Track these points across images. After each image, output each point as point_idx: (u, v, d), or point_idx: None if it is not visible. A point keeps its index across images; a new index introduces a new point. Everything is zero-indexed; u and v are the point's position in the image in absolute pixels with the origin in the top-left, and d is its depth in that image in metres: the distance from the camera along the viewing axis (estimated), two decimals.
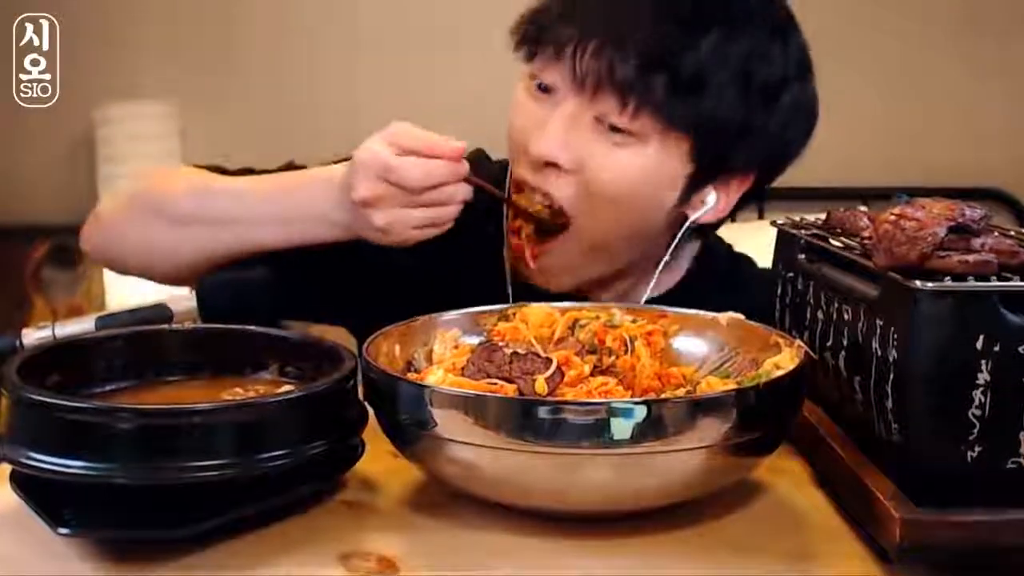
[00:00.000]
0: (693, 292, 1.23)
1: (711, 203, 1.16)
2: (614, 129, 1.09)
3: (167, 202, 1.20)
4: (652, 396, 0.85)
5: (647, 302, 1.20)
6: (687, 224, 1.17)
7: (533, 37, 1.13)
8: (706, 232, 1.24)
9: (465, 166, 1.07)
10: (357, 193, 1.05)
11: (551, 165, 1.11)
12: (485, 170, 1.19)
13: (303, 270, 1.17)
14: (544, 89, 1.13)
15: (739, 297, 1.14)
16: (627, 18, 1.09)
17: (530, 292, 1.17)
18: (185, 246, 1.17)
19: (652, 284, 1.22)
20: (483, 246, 1.22)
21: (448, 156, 1.05)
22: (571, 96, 1.10)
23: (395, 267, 1.19)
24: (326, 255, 1.17)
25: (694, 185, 1.14)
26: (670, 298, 1.22)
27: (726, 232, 1.37)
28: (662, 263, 1.21)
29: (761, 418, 0.78)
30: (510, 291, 1.21)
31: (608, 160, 1.10)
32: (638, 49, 1.07)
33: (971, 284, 0.71)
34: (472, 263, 1.21)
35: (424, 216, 1.07)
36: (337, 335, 1.12)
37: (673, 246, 1.20)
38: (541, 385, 0.82)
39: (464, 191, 1.07)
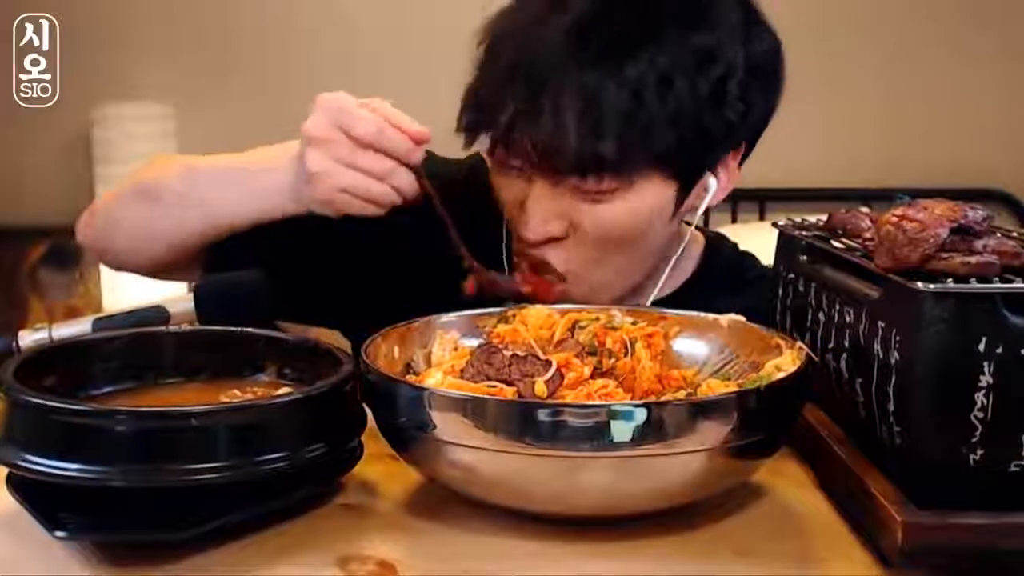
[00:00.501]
0: (700, 292, 1.23)
1: (713, 187, 1.16)
2: (588, 191, 1.08)
3: (154, 185, 1.19)
4: (652, 399, 0.85)
5: (655, 302, 1.21)
6: (698, 213, 1.18)
7: (477, 130, 1.11)
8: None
9: (420, 154, 1.03)
10: (305, 127, 1.02)
11: (548, 240, 1.11)
12: (483, 175, 1.19)
13: (297, 270, 1.17)
14: (512, 166, 1.12)
15: (746, 296, 1.14)
16: (557, 86, 1.04)
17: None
18: (171, 224, 1.16)
19: (660, 284, 1.22)
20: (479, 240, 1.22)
21: (411, 134, 1.02)
22: (536, 177, 1.09)
23: (387, 267, 1.19)
24: (318, 253, 1.17)
25: (686, 192, 1.13)
26: (677, 297, 1.22)
27: (728, 233, 1.38)
28: (672, 261, 1.22)
29: (762, 421, 0.78)
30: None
31: (596, 216, 1.09)
32: (577, 120, 1.03)
33: (973, 286, 0.71)
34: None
35: (355, 181, 1.02)
36: (332, 340, 1.11)
37: (684, 243, 1.22)
38: (541, 387, 0.81)
39: (406, 180, 1.03)
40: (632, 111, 1.03)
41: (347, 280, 1.22)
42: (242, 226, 1.13)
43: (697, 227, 1.28)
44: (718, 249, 1.31)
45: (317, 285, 1.23)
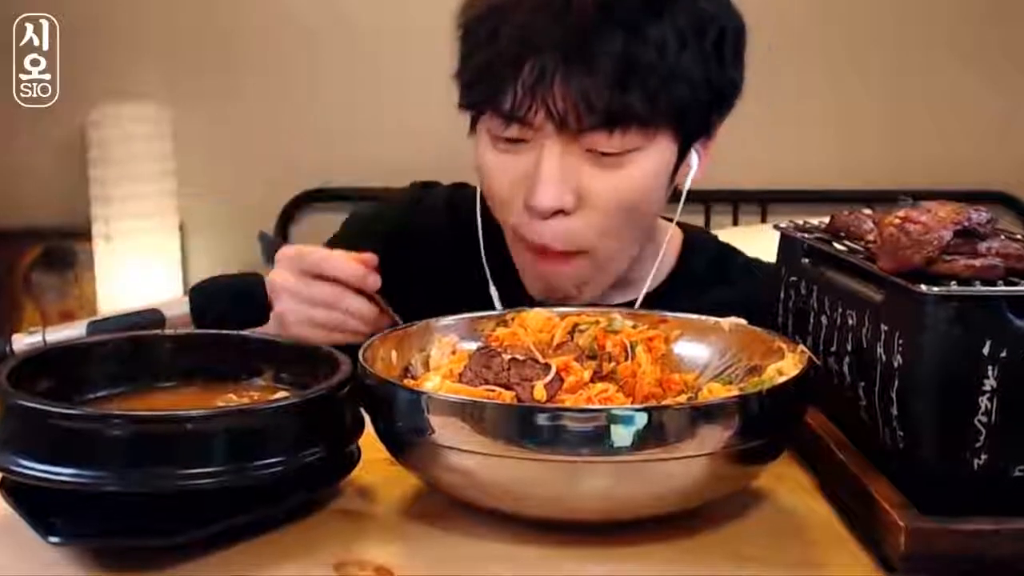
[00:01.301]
0: (688, 284, 1.25)
1: (695, 163, 1.18)
2: (605, 154, 1.09)
3: None
4: (653, 403, 0.84)
5: (648, 296, 1.22)
6: (684, 192, 1.20)
7: (489, 101, 1.11)
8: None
9: (375, 280, 1.09)
10: (270, 279, 1.09)
11: (556, 212, 1.11)
12: (429, 203, 1.27)
13: None
14: (515, 140, 1.11)
15: (742, 286, 1.15)
16: (588, 44, 1.06)
17: (521, 296, 1.17)
18: None
19: (651, 276, 1.24)
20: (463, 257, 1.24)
21: (366, 262, 1.09)
22: (554, 135, 1.09)
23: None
24: None
25: (681, 158, 1.15)
26: (667, 291, 1.24)
27: (729, 235, 1.38)
28: (660, 254, 1.23)
29: (764, 425, 0.77)
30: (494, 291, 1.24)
31: (609, 184, 1.10)
32: (605, 70, 1.05)
33: (977, 289, 0.70)
34: (455, 274, 1.22)
35: (310, 312, 1.09)
36: None
37: (668, 236, 1.24)
38: (540, 391, 0.81)
39: (358, 304, 1.09)
40: (657, 65, 1.06)
41: None
42: None
43: (678, 224, 1.30)
44: (699, 241, 1.32)
45: None
